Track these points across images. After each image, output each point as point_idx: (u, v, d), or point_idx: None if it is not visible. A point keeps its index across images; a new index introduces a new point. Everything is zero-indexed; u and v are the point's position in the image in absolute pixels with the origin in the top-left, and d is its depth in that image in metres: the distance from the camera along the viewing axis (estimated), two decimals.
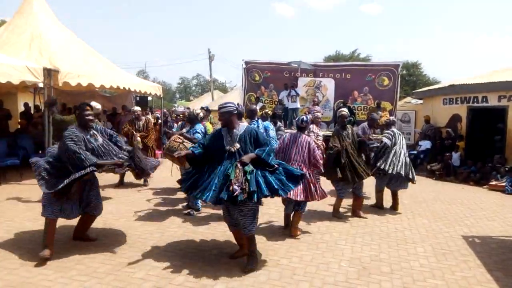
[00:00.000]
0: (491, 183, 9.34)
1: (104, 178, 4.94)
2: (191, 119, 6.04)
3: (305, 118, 5.30)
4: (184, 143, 5.34)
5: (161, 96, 13.00)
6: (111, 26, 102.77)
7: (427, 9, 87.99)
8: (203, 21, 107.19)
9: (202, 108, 6.88)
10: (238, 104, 4.43)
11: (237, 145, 4.02)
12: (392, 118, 7.46)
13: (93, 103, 6.76)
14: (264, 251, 4.46)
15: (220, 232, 5.17)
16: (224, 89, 43.22)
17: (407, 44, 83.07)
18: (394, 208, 6.72)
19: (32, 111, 12.33)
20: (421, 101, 15.12)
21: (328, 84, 14.17)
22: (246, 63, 14.61)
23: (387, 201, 6.82)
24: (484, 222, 6.23)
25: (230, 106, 4.11)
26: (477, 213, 6.80)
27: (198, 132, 5.83)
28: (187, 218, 5.76)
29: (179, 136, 5.49)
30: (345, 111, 6.31)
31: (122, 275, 3.76)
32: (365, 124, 7.98)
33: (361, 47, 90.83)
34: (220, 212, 6.17)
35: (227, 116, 4.08)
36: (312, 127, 6.76)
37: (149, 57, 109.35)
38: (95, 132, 4.32)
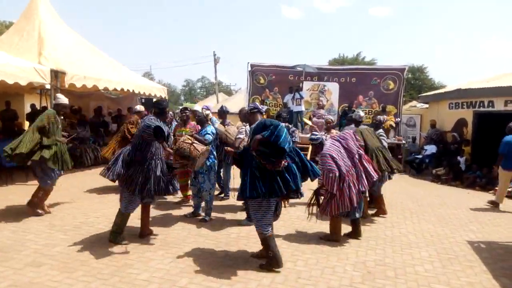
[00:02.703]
0: (497, 188, 9.26)
1: (105, 182, 4.97)
2: (201, 121, 5.95)
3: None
4: (194, 144, 5.26)
5: (166, 98, 13.07)
6: (116, 28, 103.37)
7: (435, 13, 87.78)
8: (208, 24, 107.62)
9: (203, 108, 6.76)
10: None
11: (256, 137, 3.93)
12: (379, 117, 7.34)
13: (60, 95, 6.17)
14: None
15: (224, 235, 5.17)
16: (228, 92, 43.25)
17: (414, 47, 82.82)
18: (377, 213, 6.50)
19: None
20: (426, 105, 15.07)
21: (332, 88, 14.16)
22: (251, 66, 14.65)
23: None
24: (490, 228, 6.19)
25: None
26: (482, 218, 6.75)
27: (209, 134, 5.71)
28: (190, 221, 5.76)
29: (189, 137, 5.39)
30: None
31: (126, 277, 3.77)
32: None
33: (368, 50, 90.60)
34: (224, 216, 6.19)
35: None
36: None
37: (154, 59, 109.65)
38: None
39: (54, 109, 6.02)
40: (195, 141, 5.29)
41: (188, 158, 5.13)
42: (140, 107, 8.23)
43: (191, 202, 6.62)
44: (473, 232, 5.86)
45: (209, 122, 6.23)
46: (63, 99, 6.02)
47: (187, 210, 6.35)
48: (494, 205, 7.79)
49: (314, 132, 5.44)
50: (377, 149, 6.20)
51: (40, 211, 5.74)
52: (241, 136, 6.03)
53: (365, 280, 3.94)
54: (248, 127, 5.52)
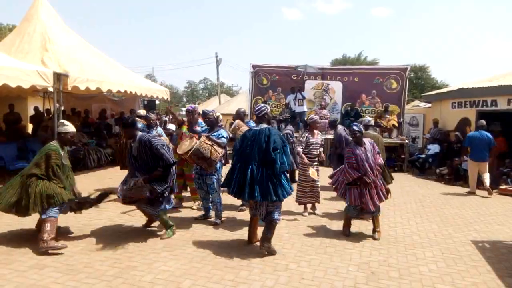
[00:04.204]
0: (501, 187, 9.22)
1: (108, 183, 4.94)
2: (212, 123, 5.85)
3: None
4: (214, 146, 5.25)
5: (169, 99, 13.10)
6: (118, 29, 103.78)
7: (436, 13, 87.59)
8: (211, 25, 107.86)
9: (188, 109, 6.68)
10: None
11: None
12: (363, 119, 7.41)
13: (67, 122, 4.95)
14: (273, 256, 4.45)
15: (227, 236, 5.17)
16: (231, 93, 43.30)
17: (415, 47, 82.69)
18: None
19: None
20: (429, 105, 15.02)
21: (336, 87, 14.19)
22: (254, 67, 14.67)
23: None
24: (494, 227, 6.16)
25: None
26: (486, 218, 6.72)
27: (224, 137, 5.62)
28: (194, 223, 5.76)
29: (207, 138, 5.39)
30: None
31: (130, 279, 3.78)
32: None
33: (370, 51, 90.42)
34: (226, 216, 6.19)
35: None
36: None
37: (157, 61, 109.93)
38: None
39: (58, 139, 4.79)
40: (214, 143, 5.30)
41: (207, 159, 5.16)
42: (143, 112, 8.02)
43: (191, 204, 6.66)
44: (477, 232, 5.83)
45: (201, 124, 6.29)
46: (70, 127, 4.82)
47: (186, 212, 6.37)
48: (471, 193, 8.79)
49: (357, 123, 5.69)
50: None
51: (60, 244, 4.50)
52: None
53: (369, 281, 3.93)
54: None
